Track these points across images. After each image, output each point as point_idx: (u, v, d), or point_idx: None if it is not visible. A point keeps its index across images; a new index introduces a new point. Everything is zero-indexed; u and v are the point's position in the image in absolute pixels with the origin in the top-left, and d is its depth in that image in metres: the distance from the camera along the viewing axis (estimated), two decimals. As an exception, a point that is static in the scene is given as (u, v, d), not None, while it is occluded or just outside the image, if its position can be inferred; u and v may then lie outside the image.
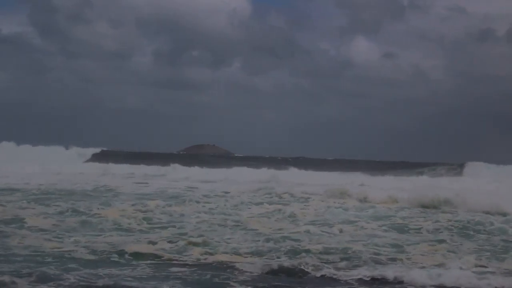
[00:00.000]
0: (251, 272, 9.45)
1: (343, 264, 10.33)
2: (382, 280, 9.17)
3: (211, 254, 10.82)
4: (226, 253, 10.99)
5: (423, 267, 10.02)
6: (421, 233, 14.39)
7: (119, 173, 35.33)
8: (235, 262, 10.12)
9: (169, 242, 11.91)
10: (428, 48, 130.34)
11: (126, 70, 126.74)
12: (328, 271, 9.62)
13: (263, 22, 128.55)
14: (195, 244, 11.57)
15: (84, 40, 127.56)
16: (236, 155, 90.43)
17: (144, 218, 15.27)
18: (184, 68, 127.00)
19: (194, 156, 70.65)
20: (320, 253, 11.15)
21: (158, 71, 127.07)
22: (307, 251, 11.24)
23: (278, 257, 10.72)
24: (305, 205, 19.62)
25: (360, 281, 9.17)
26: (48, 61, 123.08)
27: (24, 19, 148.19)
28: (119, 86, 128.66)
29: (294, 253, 11.09)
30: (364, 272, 9.50)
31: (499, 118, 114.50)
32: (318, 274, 9.47)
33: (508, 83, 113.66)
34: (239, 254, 10.91)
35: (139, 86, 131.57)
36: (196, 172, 37.63)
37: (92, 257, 10.48)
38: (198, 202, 19.85)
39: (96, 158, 51.00)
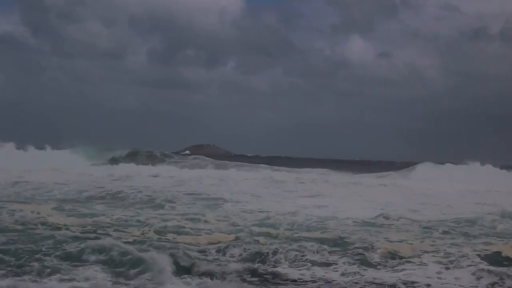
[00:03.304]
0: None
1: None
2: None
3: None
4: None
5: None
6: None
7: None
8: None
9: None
10: (422, 47, 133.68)
11: (121, 70, 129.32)
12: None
13: (257, 21, 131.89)
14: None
15: (77, 39, 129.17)
16: (233, 154, 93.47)
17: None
18: (179, 68, 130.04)
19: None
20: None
21: (153, 70, 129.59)
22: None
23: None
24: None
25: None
26: (41, 61, 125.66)
27: (16, 19, 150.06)
28: (114, 85, 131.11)
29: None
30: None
31: (495, 117, 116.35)
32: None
33: (503, 82, 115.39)
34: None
35: (135, 86, 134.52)
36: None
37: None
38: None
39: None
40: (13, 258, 8.75)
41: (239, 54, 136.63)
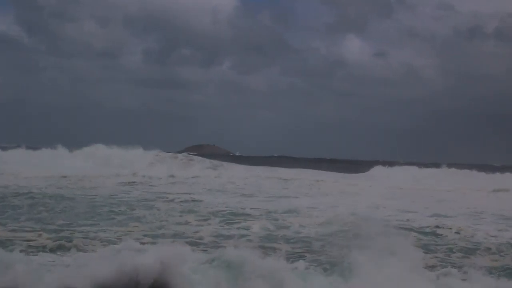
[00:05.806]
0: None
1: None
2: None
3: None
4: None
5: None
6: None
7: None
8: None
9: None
10: (418, 46, 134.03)
11: (118, 69, 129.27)
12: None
13: (251, 20, 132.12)
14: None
15: (73, 39, 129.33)
16: (237, 154, 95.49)
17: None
18: (175, 67, 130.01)
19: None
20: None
21: (150, 70, 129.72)
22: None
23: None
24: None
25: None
26: (38, 60, 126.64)
27: (11, 19, 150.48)
28: (112, 85, 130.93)
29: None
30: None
31: (494, 117, 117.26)
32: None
33: (502, 82, 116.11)
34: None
35: (133, 85, 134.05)
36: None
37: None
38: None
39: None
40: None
41: (235, 54, 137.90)
